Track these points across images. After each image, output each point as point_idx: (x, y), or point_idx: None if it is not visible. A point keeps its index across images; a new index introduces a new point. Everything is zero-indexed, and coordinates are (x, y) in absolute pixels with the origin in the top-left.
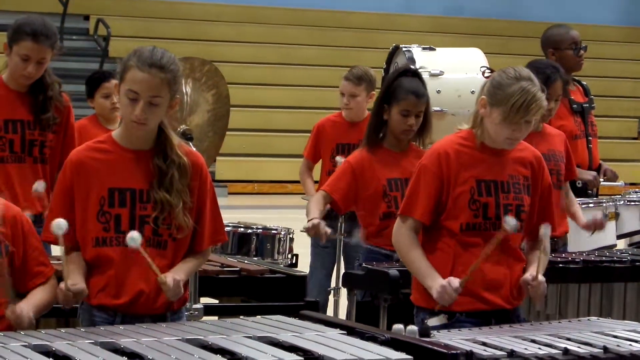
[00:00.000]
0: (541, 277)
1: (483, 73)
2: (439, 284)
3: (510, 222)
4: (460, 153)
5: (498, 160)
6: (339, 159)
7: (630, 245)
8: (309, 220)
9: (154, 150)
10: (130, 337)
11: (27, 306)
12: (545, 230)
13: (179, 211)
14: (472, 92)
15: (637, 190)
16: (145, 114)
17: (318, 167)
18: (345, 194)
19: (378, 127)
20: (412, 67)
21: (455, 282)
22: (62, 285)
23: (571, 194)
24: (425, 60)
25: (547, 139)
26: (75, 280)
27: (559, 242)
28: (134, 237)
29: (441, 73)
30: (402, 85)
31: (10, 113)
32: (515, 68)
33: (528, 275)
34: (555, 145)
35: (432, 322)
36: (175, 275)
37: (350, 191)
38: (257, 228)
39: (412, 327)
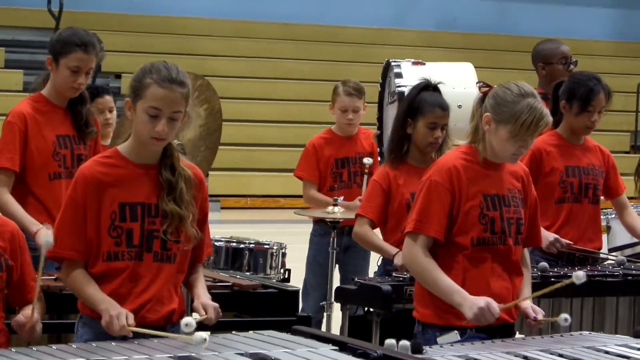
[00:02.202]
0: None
1: (479, 88)
2: (476, 304)
3: (580, 277)
4: (466, 168)
5: (498, 175)
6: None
7: None
8: (395, 254)
9: (160, 164)
10: (121, 354)
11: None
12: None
13: (188, 223)
14: (459, 107)
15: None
16: (166, 129)
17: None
18: (379, 211)
19: (401, 141)
20: (432, 82)
21: (494, 306)
22: (117, 319)
23: (631, 209)
24: (413, 74)
25: (587, 152)
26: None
27: (589, 258)
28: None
29: (440, 82)
30: (426, 99)
31: (59, 128)
32: (517, 83)
33: (531, 311)
34: (595, 159)
35: (445, 339)
36: (209, 302)
37: (384, 207)
38: (250, 243)
39: (405, 343)
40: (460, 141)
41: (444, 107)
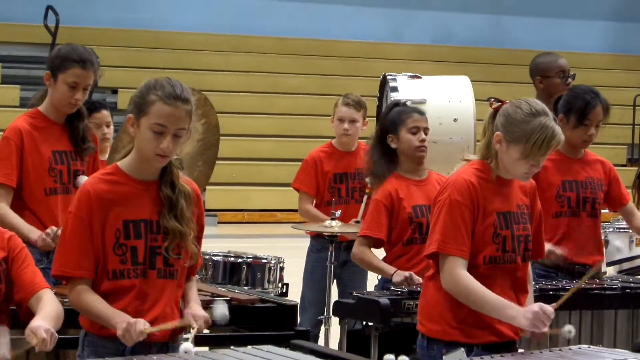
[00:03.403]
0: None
1: (491, 104)
2: (529, 310)
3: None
4: (482, 185)
5: (509, 192)
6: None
7: (619, 272)
8: (394, 274)
9: (160, 180)
10: None
11: (44, 322)
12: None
13: (189, 240)
14: (455, 120)
15: None
16: (171, 146)
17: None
18: (386, 230)
19: (387, 162)
20: (401, 100)
21: (548, 307)
22: (135, 325)
23: (638, 214)
24: (409, 88)
25: (586, 166)
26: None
27: (588, 270)
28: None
29: (423, 101)
30: (400, 111)
31: (56, 144)
32: (528, 101)
33: None
34: (594, 172)
35: (451, 357)
36: (199, 312)
37: (389, 225)
38: (248, 257)
39: (404, 358)
40: (472, 156)
41: (420, 112)
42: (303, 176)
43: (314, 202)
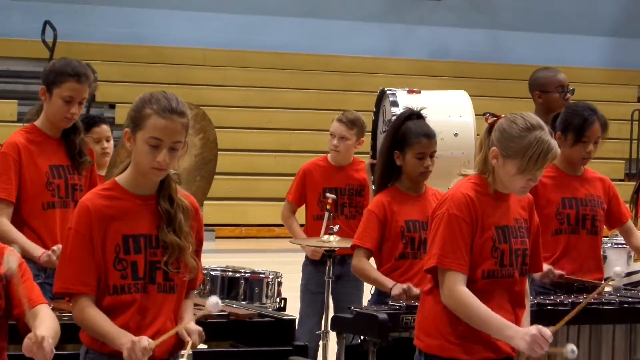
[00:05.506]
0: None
1: (486, 119)
2: (527, 333)
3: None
4: (479, 200)
5: (507, 206)
6: (330, 195)
7: (617, 287)
8: (392, 287)
9: (158, 194)
10: None
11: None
12: None
13: (188, 254)
14: (456, 135)
15: None
16: (167, 159)
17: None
18: (376, 240)
19: (388, 174)
20: (415, 109)
21: (546, 330)
22: (136, 345)
23: (637, 232)
24: (408, 103)
25: (585, 183)
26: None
27: (589, 289)
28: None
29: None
30: (411, 129)
31: (53, 159)
32: (523, 116)
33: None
34: (594, 190)
35: None
36: (192, 327)
37: (380, 236)
38: (245, 272)
39: None
40: (469, 170)
41: (429, 136)
42: (292, 186)
43: (307, 215)
